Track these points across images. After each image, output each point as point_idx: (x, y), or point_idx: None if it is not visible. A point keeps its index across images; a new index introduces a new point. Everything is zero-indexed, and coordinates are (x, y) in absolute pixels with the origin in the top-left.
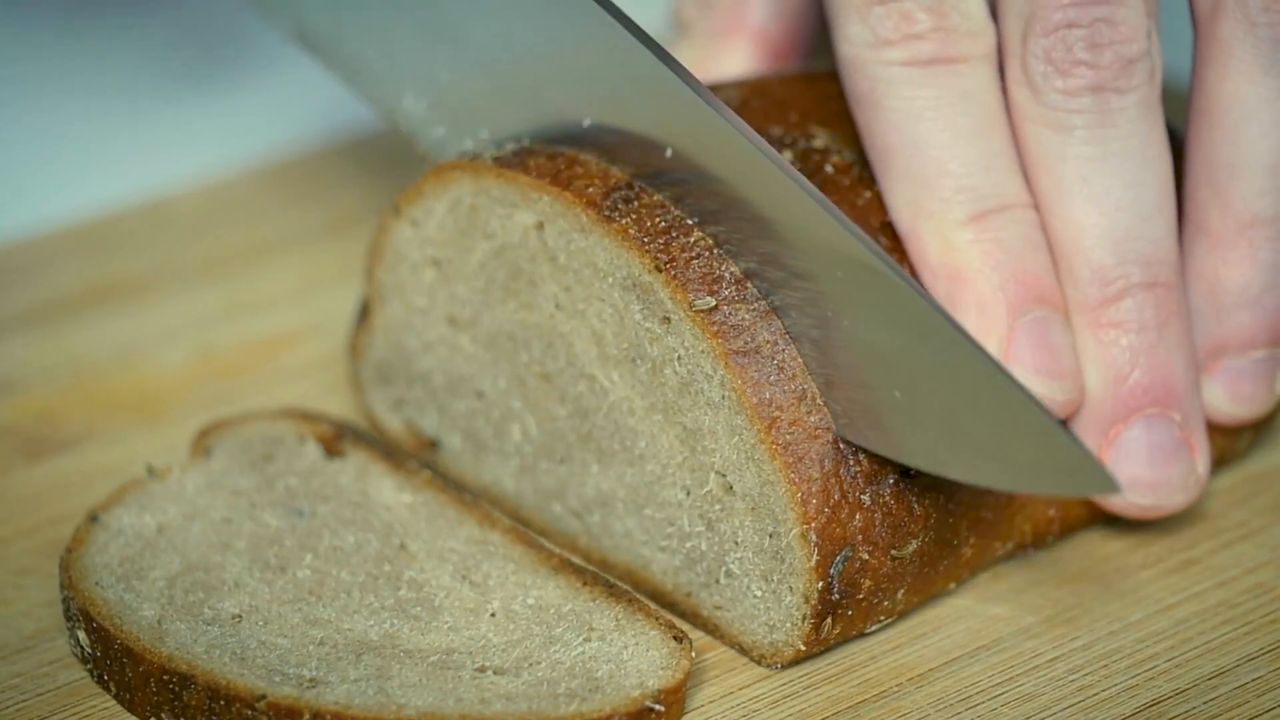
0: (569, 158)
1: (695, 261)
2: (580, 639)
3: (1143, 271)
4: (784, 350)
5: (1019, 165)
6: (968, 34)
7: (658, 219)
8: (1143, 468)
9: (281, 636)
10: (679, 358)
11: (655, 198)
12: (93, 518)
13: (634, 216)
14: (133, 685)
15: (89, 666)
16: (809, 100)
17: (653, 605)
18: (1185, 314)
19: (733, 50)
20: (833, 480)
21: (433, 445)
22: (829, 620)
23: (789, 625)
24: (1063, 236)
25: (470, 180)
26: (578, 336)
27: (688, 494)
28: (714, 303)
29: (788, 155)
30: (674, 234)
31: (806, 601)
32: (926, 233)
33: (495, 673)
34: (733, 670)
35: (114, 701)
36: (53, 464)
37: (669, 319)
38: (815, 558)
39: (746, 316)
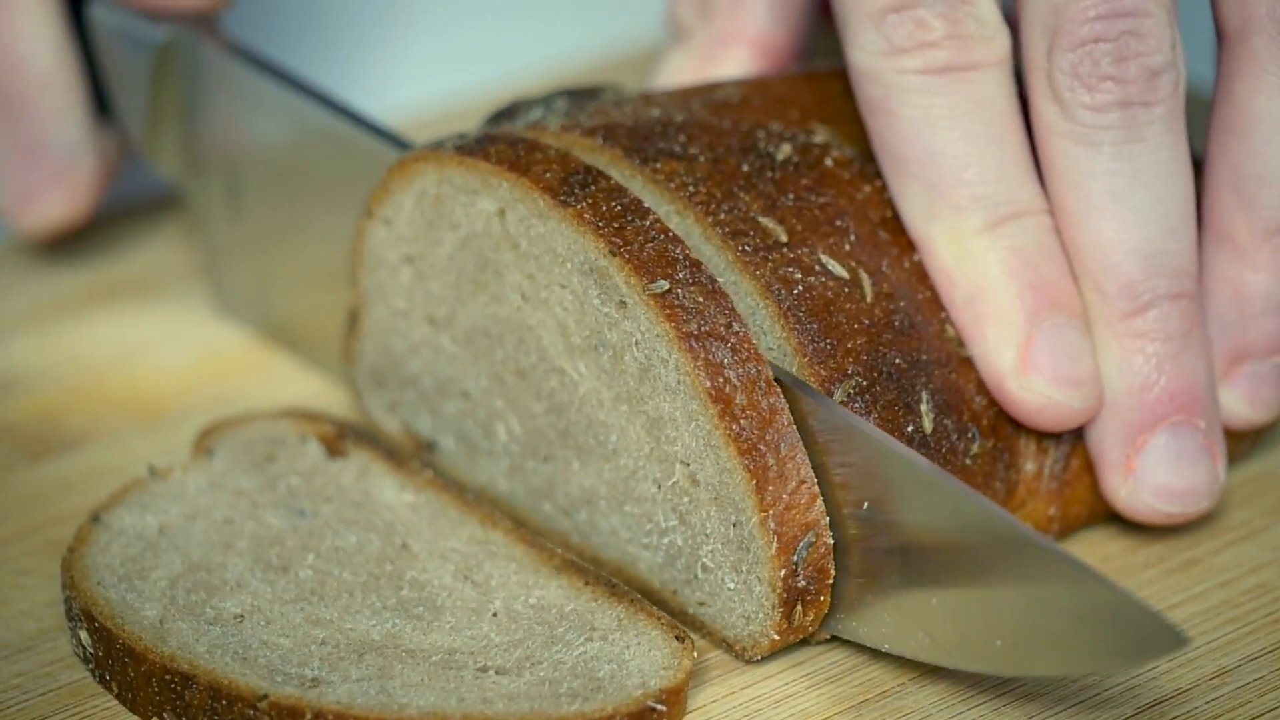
0: (529, 144)
1: (650, 245)
2: (582, 639)
3: (1169, 284)
4: (738, 332)
5: (1033, 171)
6: (982, 40)
7: (613, 203)
8: (1171, 476)
9: (283, 636)
10: (636, 342)
11: (612, 182)
12: (94, 518)
13: (590, 201)
14: (135, 685)
15: (91, 666)
16: (810, 98)
17: (654, 606)
18: (1203, 322)
19: (731, 56)
20: (790, 465)
21: (429, 447)
22: (799, 608)
23: (762, 615)
24: (1089, 251)
25: (433, 169)
26: (544, 328)
27: (659, 487)
28: (667, 286)
29: (787, 149)
30: (629, 217)
31: (773, 590)
32: (942, 240)
33: (497, 672)
34: (734, 670)
35: (116, 701)
36: (54, 464)
37: (625, 303)
38: (775, 545)
39: (700, 299)
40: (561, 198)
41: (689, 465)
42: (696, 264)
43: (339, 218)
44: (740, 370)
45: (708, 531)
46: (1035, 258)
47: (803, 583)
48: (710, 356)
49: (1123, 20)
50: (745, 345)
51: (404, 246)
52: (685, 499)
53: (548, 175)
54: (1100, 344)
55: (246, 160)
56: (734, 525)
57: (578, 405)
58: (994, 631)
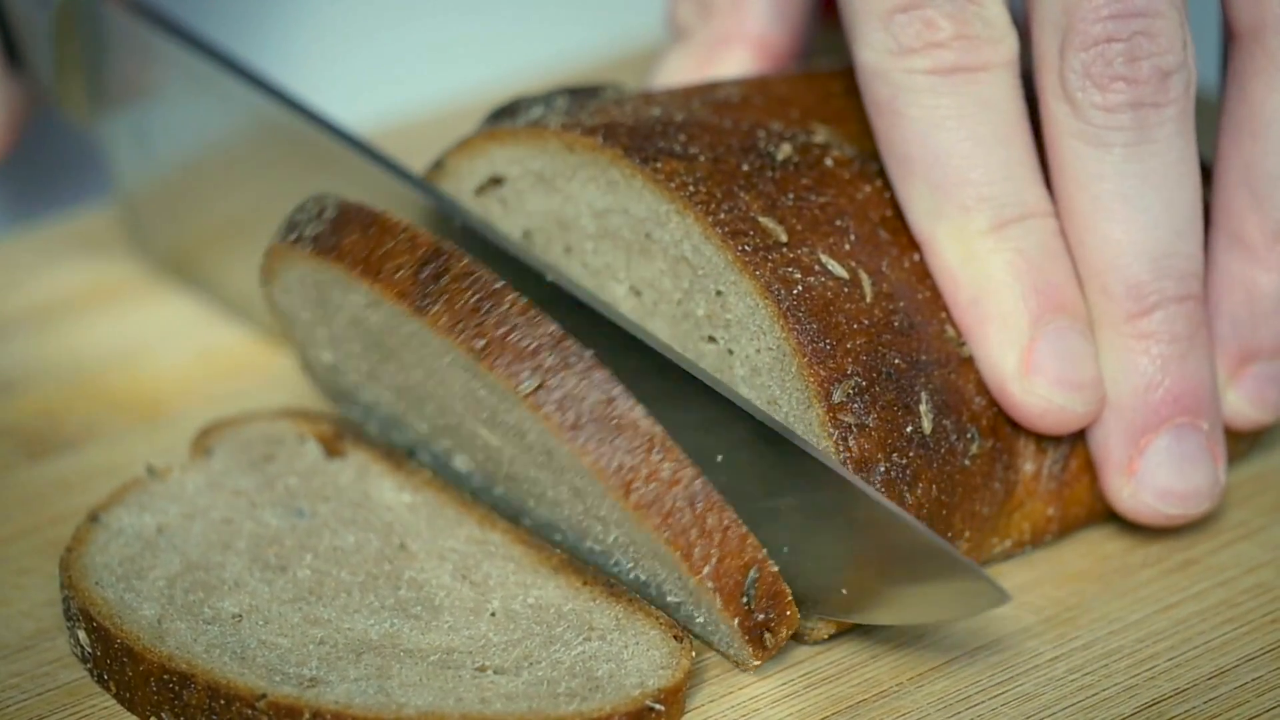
0: (381, 225)
1: (512, 334)
2: (580, 638)
3: (1176, 286)
4: (619, 403)
5: (1039, 173)
6: (989, 41)
7: (469, 294)
8: (1173, 478)
9: (281, 636)
10: (529, 429)
11: (464, 264)
12: (93, 517)
13: (445, 298)
14: (133, 684)
15: (89, 666)
16: (810, 98)
17: (653, 606)
18: (1207, 324)
19: (730, 56)
20: (709, 518)
21: (410, 454)
22: (767, 635)
23: (737, 645)
24: (1097, 252)
25: (301, 261)
26: (453, 399)
27: (607, 538)
28: (536, 383)
29: (788, 148)
30: (486, 308)
31: (736, 630)
32: (947, 241)
33: (495, 672)
34: (732, 669)
35: (114, 701)
36: (53, 464)
37: (504, 398)
38: (719, 599)
39: (573, 384)
40: (416, 302)
41: (621, 527)
42: (562, 340)
43: (242, 171)
44: (632, 443)
45: (661, 578)
46: (1040, 260)
47: (761, 616)
48: (598, 443)
49: (1135, 20)
50: (629, 417)
51: (309, 312)
52: (631, 549)
53: (399, 274)
54: (1105, 345)
55: (151, 113)
56: (679, 579)
57: (508, 462)
58: (839, 581)
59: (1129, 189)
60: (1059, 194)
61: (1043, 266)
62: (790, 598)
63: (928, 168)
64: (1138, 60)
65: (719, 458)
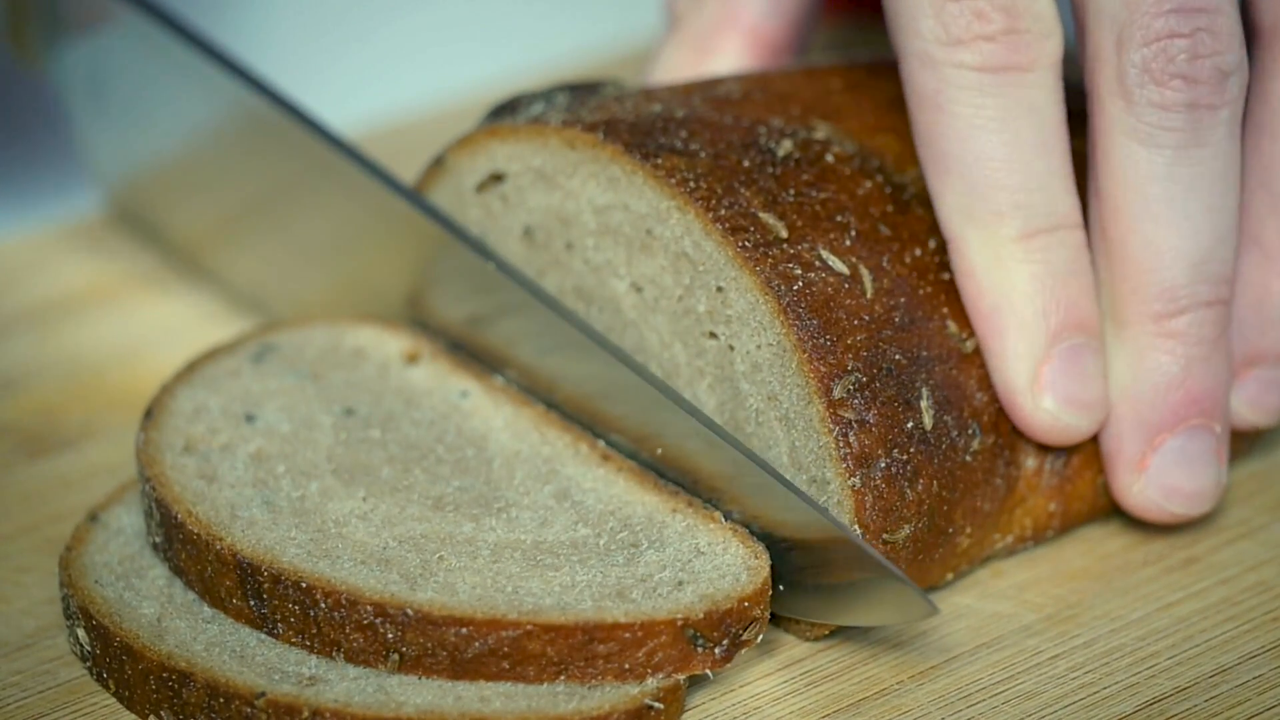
0: None
1: None
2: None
3: (1210, 290)
4: None
5: (1073, 181)
6: (1039, 36)
7: None
8: (1183, 478)
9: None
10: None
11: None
12: (92, 516)
13: None
14: (132, 683)
15: (88, 664)
16: (811, 94)
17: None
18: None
19: (724, 47)
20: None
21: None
22: (740, 653)
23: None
24: (1137, 253)
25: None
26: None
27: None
28: None
29: (788, 145)
30: None
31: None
32: (975, 242)
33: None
34: (732, 667)
35: (113, 699)
36: (53, 462)
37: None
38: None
39: None
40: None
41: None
42: None
43: (190, 122)
44: None
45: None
46: (1064, 274)
47: (724, 647)
48: None
49: (1198, 16)
50: None
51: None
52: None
53: None
54: (1127, 341)
55: (104, 63)
56: None
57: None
58: (776, 580)
59: (1176, 193)
60: (1101, 191)
61: (1066, 281)
62: (760, 607)
63: (965, 168)
64: (1200, 58)
65: (659, 450)
